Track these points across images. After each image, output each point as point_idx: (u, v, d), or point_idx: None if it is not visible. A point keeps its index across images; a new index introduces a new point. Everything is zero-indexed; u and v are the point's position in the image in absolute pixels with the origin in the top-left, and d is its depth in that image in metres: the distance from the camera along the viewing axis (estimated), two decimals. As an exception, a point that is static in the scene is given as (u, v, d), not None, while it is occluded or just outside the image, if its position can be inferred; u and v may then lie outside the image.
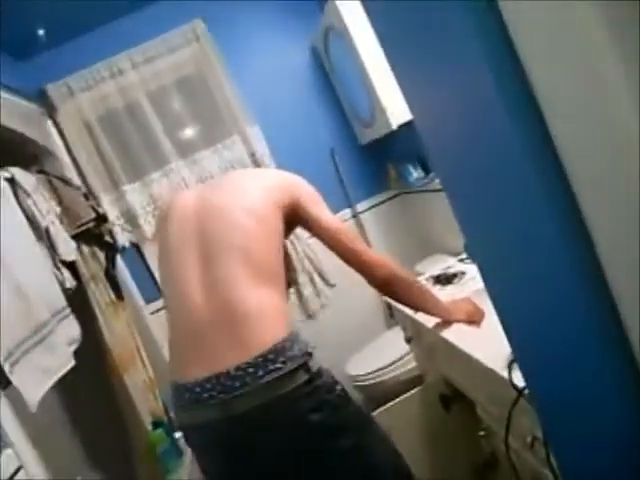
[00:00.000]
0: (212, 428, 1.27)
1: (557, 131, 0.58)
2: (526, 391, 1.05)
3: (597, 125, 0.52)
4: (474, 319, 1.55)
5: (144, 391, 2.57)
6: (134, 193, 2.86)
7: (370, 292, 1.58)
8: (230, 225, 1.37)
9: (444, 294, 1.84)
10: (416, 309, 1.63)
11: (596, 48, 0.48)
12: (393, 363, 2.45)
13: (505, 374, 1.18)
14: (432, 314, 1.61)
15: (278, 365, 1.21)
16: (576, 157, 0.58)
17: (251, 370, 1.20)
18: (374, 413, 1.99)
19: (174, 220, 1.49)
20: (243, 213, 1.38)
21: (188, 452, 2.46)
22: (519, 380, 1.04)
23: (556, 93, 0.56)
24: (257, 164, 2.83)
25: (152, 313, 2.95)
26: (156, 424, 2.48)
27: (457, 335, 1.55)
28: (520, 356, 0.96)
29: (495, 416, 1.45)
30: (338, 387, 1.32)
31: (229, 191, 1.46)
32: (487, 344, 1.37)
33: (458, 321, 1.59)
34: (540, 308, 0.79)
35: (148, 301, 2.95)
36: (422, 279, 2.19)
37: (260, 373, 1.20)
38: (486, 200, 0.79)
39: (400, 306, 1.76)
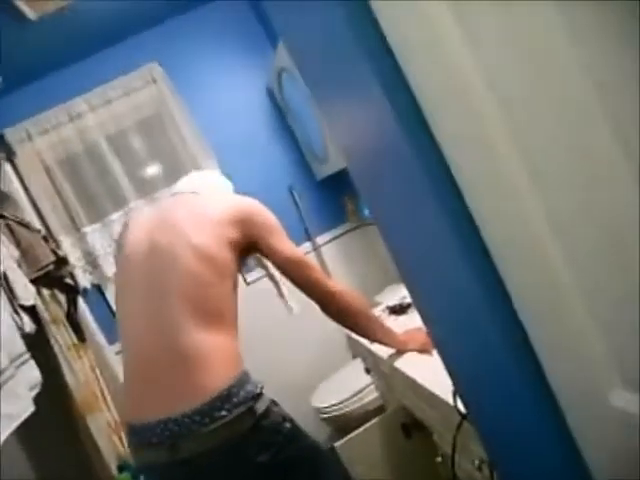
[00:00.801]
0: (161, 470, 1.30)
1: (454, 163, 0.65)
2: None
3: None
4: (426, 348, 1.61)
5: (109, 434, 2.55)
6: (95, 234, 2.88)
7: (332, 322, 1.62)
8: (181, 272, 1.35)
9: (398, 324, 1.90)
10: (371, 340, 1.68)
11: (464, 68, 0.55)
12: (356, 394, 2.48)
13: (452, 401, 1.24)
14: (386, 345, 1.66)
15: (223, 413, 1.23)
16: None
17: (197, 418, 1.22)
18: (337, 443, 2.02)
19: (125, 258, 1.49)
20: (194, 257, 1.36)
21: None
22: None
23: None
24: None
25: (117, 353, 2.93)
26: (121, 467, 2.45)
27: (409, 364, 1.60)
28: (459, 387, 1.02)
29: (448, 442, 1.50)
30: (286, 425, 1.34)
31: (180, 231, 1.41)
32: (437, 372, 1.42)
33: (411, 350, 1.65)
34: (472, 346, 0.85)
35: (111, 342, 2.92)
36: (378, 309, 2.25)
37: (206, 420, 1.22)
38: (411, 234, 0.86)
39: (355, 337, 1.81)
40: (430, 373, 1.48)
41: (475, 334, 0.81)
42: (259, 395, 1.32)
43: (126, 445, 2.54)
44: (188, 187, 1.63)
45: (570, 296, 0.57)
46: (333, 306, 1.49)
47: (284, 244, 1.49)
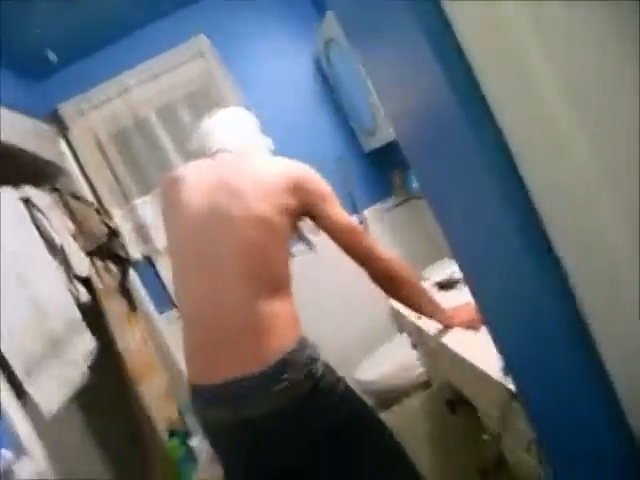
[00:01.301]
0: (225, 428, 1.37)
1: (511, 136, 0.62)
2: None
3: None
4: (474, 324, 1.58)
5: (160, 401, 2.62)
6: (145, 206, 2.93)
7: (379, 295, 1.61)
8: (239, 236, 1.38)
9: (446, 299, 1.87)
10: (418, 311, 1.66)
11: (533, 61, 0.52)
12: (401, 369, 2.48)
13: (501, 379, 1.22)
14: (433, 318, 1.65)
15: (285, 376, 1.28)
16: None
17: (262, 379, 1.28)
18: (381, 414, 2.03)
19: (181, 216, 1.49)
20: (252, 222, 1.37)
21: (202, 460, 2.51)
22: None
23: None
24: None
25: (166, 323, 3.02)
26: (172, 433, 2.53)
27: (457, 341, 1.58)
28: (509, 365, 1.00)
29: (495, 420, 1.48)
30: (340, 387, 1.39)
31: (239, 195, 1.41)
32: (485, 349, 1.40)
33: (458, 326, 1.63)
34: (524, 324, 0.83)
35: (161, 311, 3.01)
36: (427, 284, 2.23)
37: (269, 383, 1.28)
38: (463, 207, 0.83)
39: (403, 310, 1.80)
40: (478, 350, 1.46)
41: (527, 311, 0.79)
42: (317, 359, 1.36)
43: (176, 413, 2.63)
44: (230, 143, 1.60)
45: (627, 276, 0.54)
46: (383, 274, 1.50)
47: (337, 210, 1.50)
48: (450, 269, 2.28)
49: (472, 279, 0.96)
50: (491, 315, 0.95)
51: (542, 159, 0.59)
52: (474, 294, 0.97)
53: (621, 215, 0.52)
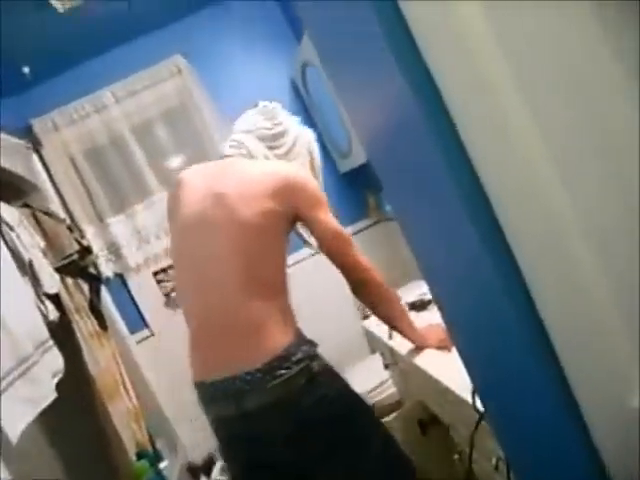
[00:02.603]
0: (229, 421, 1.43)
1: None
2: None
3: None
4: (445, 344, 1.60)
5: (129, 421, 2.58)
6: (118, 225, 2.91)
7: (352, 316, 1.63)
8: (225, 243, 1.43)
9: (418, 320, 1.89)
10: (393, 327, 1.66)
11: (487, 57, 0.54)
12: (374, 389, 2.48)
13: (470, 398, 1.23)
14: (406, 336, 1.65)
15: (282, 371, 1.35)
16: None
17: (259, 375, 1.34)
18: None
19: (178, 221, 1.56)
20: (235, 229, 1.42)
21: (172, 482, 2.47)
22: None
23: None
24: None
25: (138, 342, 2.98)
26: (140, 454, 2.49)
27: (428, 361, 1.60)
28: (477, 385, 1.01)
29: (465, 439, 1.50)
30: (337, 384, 1.47)
31: (228, 203, 1.45)
32: (456, 370, 1.41)
33: (430, 346, 1.65)
34: (492, 345, 0.84)
35: (133, 331, 2.97)
36: (399, 305, 2.24)
37: (267, 378, 1.34)
38: (432, 229, 0.85)
39: (376, 331, 1.81)
40: (449, 370, 1.47)
41: (495, 333, 0.80)
42: (313, 355, 1.43)
43: (145, 434, 2.59)
44: (235, 147, 1.65)
45: (595, 293, 0.56)
46: (365, 286, 1.53)
47: (325, 216, 1.52)
48: (421, 290, 2.31)
49: (440, 300, 0.98)
50: (459, 335, 0.97)
51: (507, 177, 0.61)
52: (443, 315, 0.98)
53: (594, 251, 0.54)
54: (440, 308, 0.99)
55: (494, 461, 1.25)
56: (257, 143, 1.65)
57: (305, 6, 0.90)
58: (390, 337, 1.94)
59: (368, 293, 1.55)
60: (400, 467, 1.51)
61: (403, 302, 2.25)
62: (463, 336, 0.95)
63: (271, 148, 1.66)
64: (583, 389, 0.67)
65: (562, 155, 0.53)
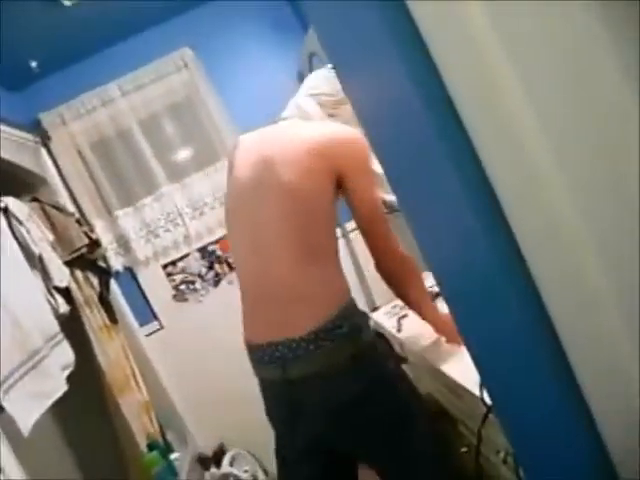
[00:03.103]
0: (274, 385, 1.45)
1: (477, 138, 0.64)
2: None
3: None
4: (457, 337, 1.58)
5: (139, 413, 2.60)
6: (127, 218, 2.92)
7: (361, 307, 1.60)
8: (274, 207, 1.42)
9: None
10: (418, 312, 1.62)
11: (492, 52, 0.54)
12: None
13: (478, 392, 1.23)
14: (428, 317, 1.61)
15: (327, 342, 1.34)
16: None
17: (304, 344, 1.34)
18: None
19: (231, 185, 1.58)
20: (282, 194, 1.41)
21: (183, 473, 2.49)
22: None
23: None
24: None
25: (147, 335, 3.00)
26: (151, 446, 2.51)
27: (437, 354, 1.59)
28: (485, 378, 1.01)
29: (473, 432, 1.49)
30: (384, 358, 1.46)
31: (269, 168, 1.45)
32: (464, 363, 1.41)
33: (447, 333, 1.61)
34: (500, 338, 0.84)
35: (142, 324, 2.99)
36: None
37: (311, 347, 1.34)
38: (436, 221, 0.84)
39: (385, 324, 1.80)
40: (457, 364, 1.47)
41: (503, 326, 0.80)
42: (364, 327, 1.42)
43: (155, 425, 2.60)
44: (290, 110, 1.68)
45: (601, 295, 0.55)
46: (390, 263, 1.51)
47: (368, 185, 1.47)
48: (430, 282, 2.29)
49: (447, 292, 0.97)
50: (467, 328, 0.96)
51: (511, 170, 0.60)
52: (450, 308, 0.98)
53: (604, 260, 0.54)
54: (446, 299, 0.99)
55: (502, 455, 1.25)
56: (317, 108, 1.62)
57: (311, 5, 0.89)
58: (399, 330, 1.93)
59: (393, 272, 1.52)
60: (442, 445, 1.52)
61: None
62: (470, 327, 0.95)
63: (330, 116, 1.63)
64: (590, 383, 0.67)
65: (565, 157, 0.52)
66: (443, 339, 1.66)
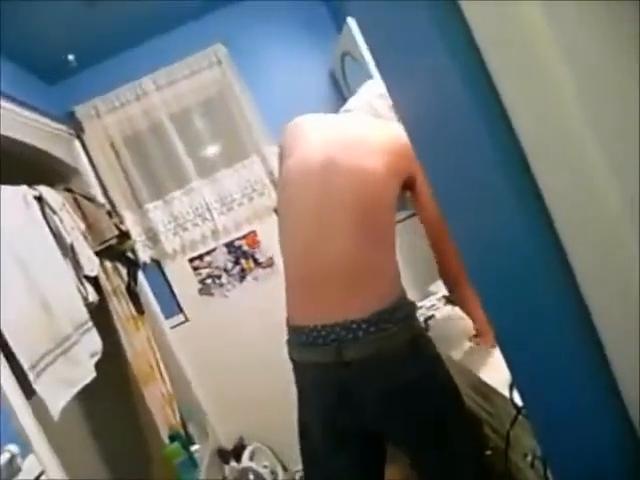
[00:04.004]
0: (323, 368, 1.42)
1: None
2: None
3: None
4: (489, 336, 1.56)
5: (162, 405, 2.63)
6: (156, 211, 2.95)
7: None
8: (349, 188, 1.44)
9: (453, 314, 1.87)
10: (466, 304, 1.66)
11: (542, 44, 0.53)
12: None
13: (507, 393, 1.22)
14: (476, 314, 1.63)
15: (388, 325, 1.36)
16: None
17: (364, 326, 1.35)
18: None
19: (295, 163, 1.58)
20: (361, 176, 1.44)
21: (203, 465, 2.51)
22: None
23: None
24: (275, 183, 2.91)
25: (172, 328, 3.03)
26: (173, 437, 2.53)
27: (465, 355, 1.58)
28: (516, 380, 1.00)
29: (500, 435, 1.48)
30: (434, 349, 1.47)
31: (351, 151, 1.49)
32: (492, 364, 1.40)
33: (485, 331, 1.61)
34: (535, 339, 0.83)
35: (167, 316, 3.02)
36: (434, 299, 2.23)
37: (371, 329, 1.35)
38: (476, 221, 0.84)
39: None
40: (486, 365, 1.46)
41: (538, 328, 0.79)
42: (416, 315, 1.46)
43: (177, 417, 2.63)
44: (354, 105, 1.71)
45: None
46: (452, 262, 1.55)
47: (428, 190, 1.53)
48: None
49: (482, 293, 0.96)
50: (500, 327, 0.95)
51: (555, 161, 0.59)
52: (484, 308, 0.97)
53: None
54: (481, 300, 0.98)
55: (530, 458, 1.23)
56: (388, 110, 1.66)
57: (356, 5, 0.89)
58: (427, 330, 1.92)
59: (454, 271, 1.57)
60: (479, 441, 1.53)
61: (439, 295, 2.25)
62: (504, 327, 0.94)
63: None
64: (630, 386, 0.65)
65: (616, 157, 0.51)
66: (471, 343, 1.66)
